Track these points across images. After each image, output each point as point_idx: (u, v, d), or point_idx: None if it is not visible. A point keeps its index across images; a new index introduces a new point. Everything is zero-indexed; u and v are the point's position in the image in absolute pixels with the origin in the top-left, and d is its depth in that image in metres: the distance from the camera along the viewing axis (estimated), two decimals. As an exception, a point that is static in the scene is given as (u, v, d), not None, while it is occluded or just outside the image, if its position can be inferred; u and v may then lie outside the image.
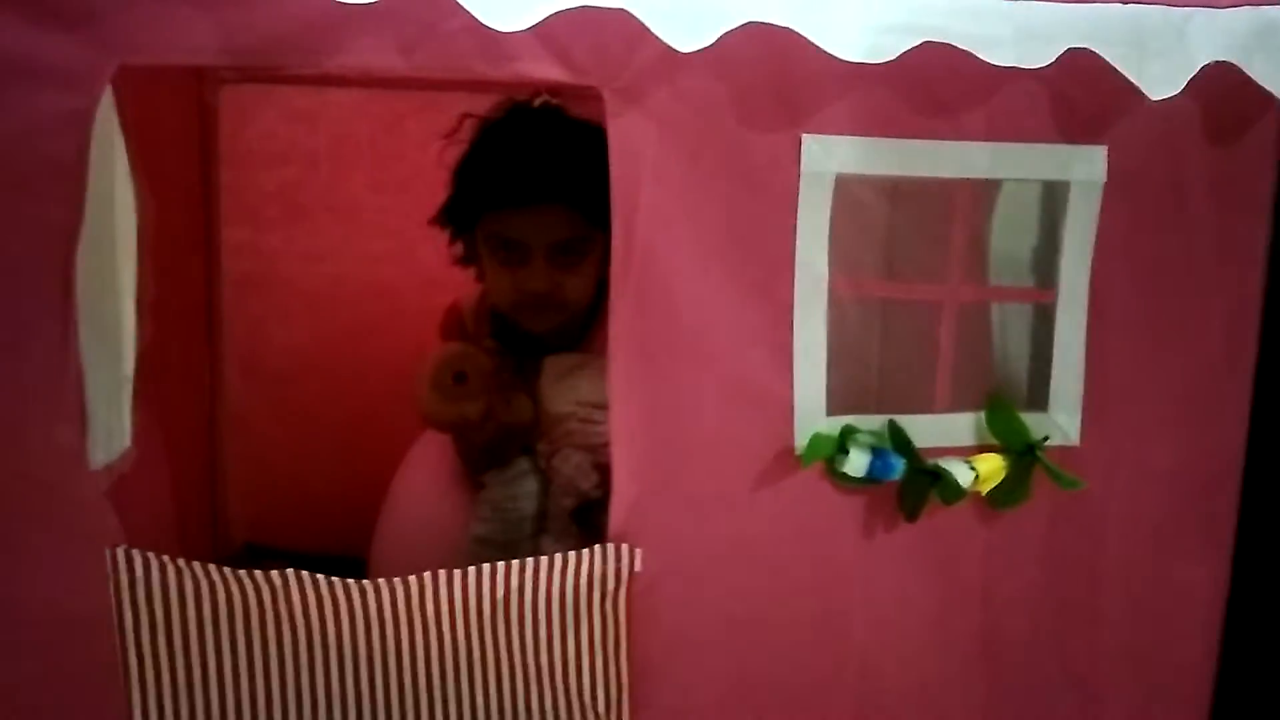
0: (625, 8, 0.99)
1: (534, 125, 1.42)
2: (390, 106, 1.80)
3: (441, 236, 1.82)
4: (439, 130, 1.81)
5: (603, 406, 1.21)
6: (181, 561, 1.08)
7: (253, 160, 1.78)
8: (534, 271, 1.38)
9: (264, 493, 1.84)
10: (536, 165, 1.37)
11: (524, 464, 1.43)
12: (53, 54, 0.98)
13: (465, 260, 1.51)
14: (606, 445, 1.16)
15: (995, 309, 1.38)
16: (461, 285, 1.68)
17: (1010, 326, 1.38)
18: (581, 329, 1.46)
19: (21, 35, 0.97)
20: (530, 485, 1.43)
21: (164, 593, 1.08)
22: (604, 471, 1.27)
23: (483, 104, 1.78)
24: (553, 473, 1.41)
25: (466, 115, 1.46)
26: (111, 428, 1.24)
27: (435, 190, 1.81)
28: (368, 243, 1.85)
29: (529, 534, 1.41)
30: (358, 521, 1.62)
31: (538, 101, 1.45)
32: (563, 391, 1.41)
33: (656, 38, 1.00)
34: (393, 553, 1.51)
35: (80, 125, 1.00)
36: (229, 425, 1.81)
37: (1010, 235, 1.36)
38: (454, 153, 1.48)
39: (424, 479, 1.54)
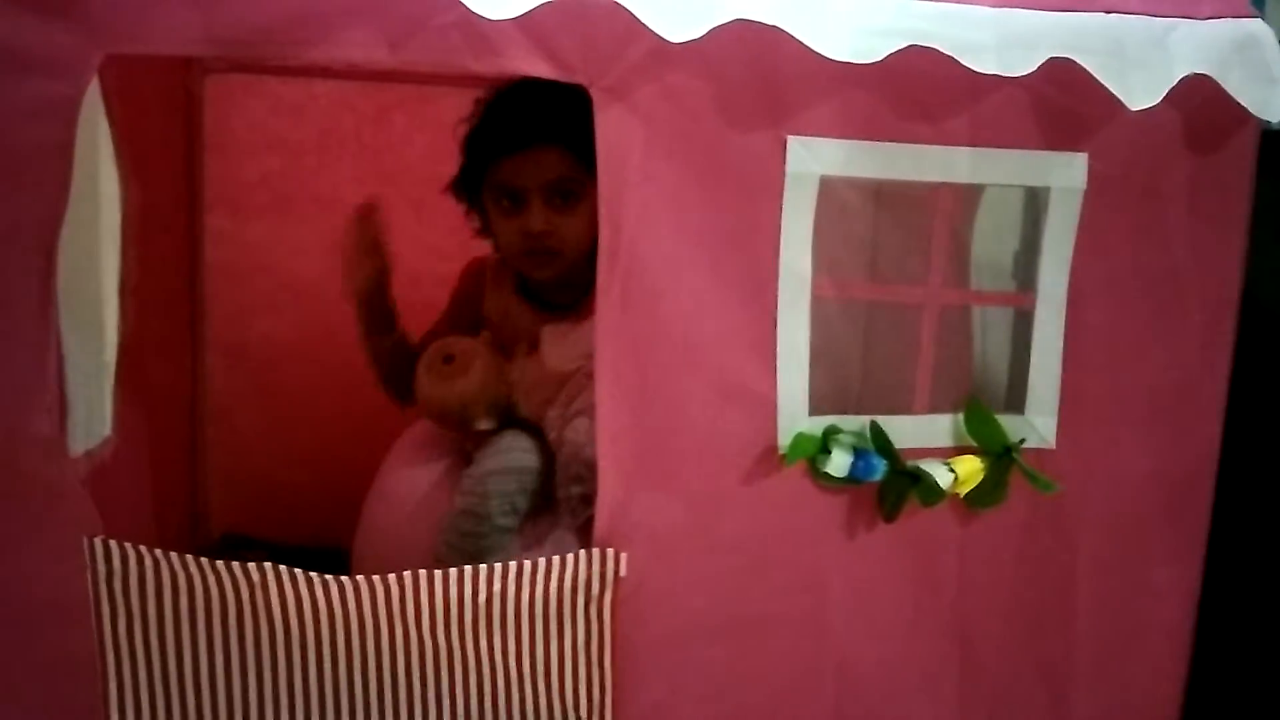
0: (615, -1, 0.99)
1: (527, 86, 1.46)
2: (377, 99, 1.79)
3: (424, 231, 1.85)
4: (425, 123, 1.83)
5: None
6: (159, 552, 1.08)
7: (237, 150, 1.77)
8: (532, 213, 1.44)
9: (244, 482, 1.83)
10: (527, 111, 1.44)
11: (516, 442, 1.45)
12: (41, 42, 0.98)
13: (482, 230, 1.58)
14: None
15: (976, 312, 1.39)
16: (444, 281, 1.69)
17: (990, 330, 1.39)
18: (583, 290, 1.48)
19: (10, 23, 0.97)
20: (518, 463, 1.43)
21: (141, 583, 1.08)
22: None
23: (470, 98, 1.80)
24: (562, 443, 1.42)
25: (479, 99, 1.53)
26: (92, 414, 1.24)
27: (420, 183, 1.82)
28: (352, 234, 1.84)
29: (519, 510, 1.41)
30: (337, 513, 1.62)
31: None
32: (564, 350, 1.46)
33: (645, 36, 1.01)
34: (377, 545, 1.51)
35: (66, 113, 1.00)
36: (210, 414, 1.81)
37: (992, 240, 1.37)
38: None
39: (410, 471, 1.54)
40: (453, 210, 1.67)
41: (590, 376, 1.38)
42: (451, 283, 1.69)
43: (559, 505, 1.43)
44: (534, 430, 1.47)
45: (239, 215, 1.78)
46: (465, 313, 1.63)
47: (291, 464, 1.85)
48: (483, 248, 1.65)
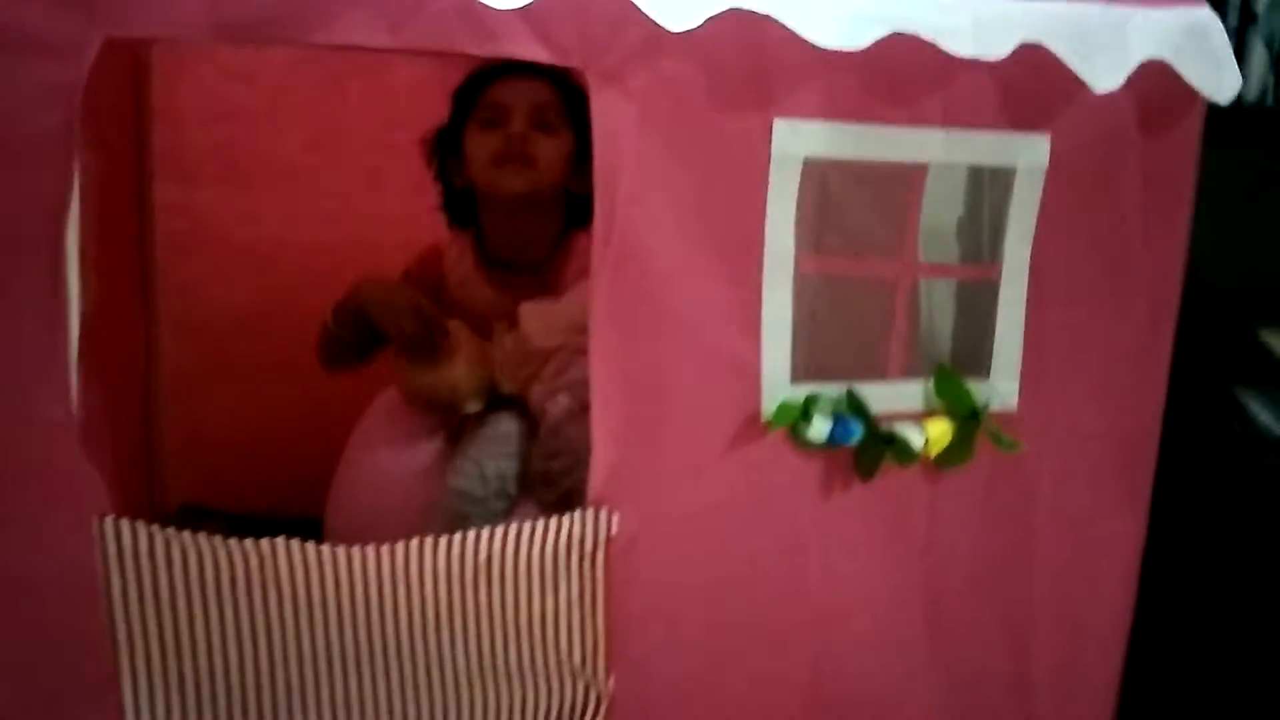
0: (615, -13, 1.02)
1: None
2: (330, 67, 1.77)
3: (379, 199, 1.86)
4: (379, 91, 1.83)
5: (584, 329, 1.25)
6: (169, 530, 1.09)
7: (187, 118, 1.74)
8: (514, 122, 1.53)
9: (201, 453, 1.82)
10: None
11: (507, 423, 1.47)
12: (42, 25, 0.97)
13: (445, 205, 1.64)
14: None
15: (923, 284, 1.46)
16: (399, 249, 1.70)
17: (934, 298, 1.46)
18: (545, 247, 1.58)
19: (13, 5, 0.96)
20: (511, 445, 1.46)
21: (151, 561, 1.10)
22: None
23: (424, 67, 1.79)
24: (544, 417, 1.45)
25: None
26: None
27: (374, 151, 1.83)
28: (305, 203, 1.83)
29: (510, 494, 1.44)
30: (295, 481, 1.63)
31: None
32: (546, 326, 1.48)
33: (639, 21, 1.05)
34: (352, 513, 1.52)
35: (68, 97, 0.99)
36: (164, 385, 1.79)
37: (936, 212, 1.43)
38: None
39: (393, 452, 1.55)
40: (406, 178, 1.69)
41: (574, 352, 1.42)
42: (407, 249, 1.70)
43: (533, 479, 1.45)
44: (519, 407, 1.49)
45: (190, 185, 1.76)
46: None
47: (248, 433, 1.84)
48: (436, 224, 1.66)
